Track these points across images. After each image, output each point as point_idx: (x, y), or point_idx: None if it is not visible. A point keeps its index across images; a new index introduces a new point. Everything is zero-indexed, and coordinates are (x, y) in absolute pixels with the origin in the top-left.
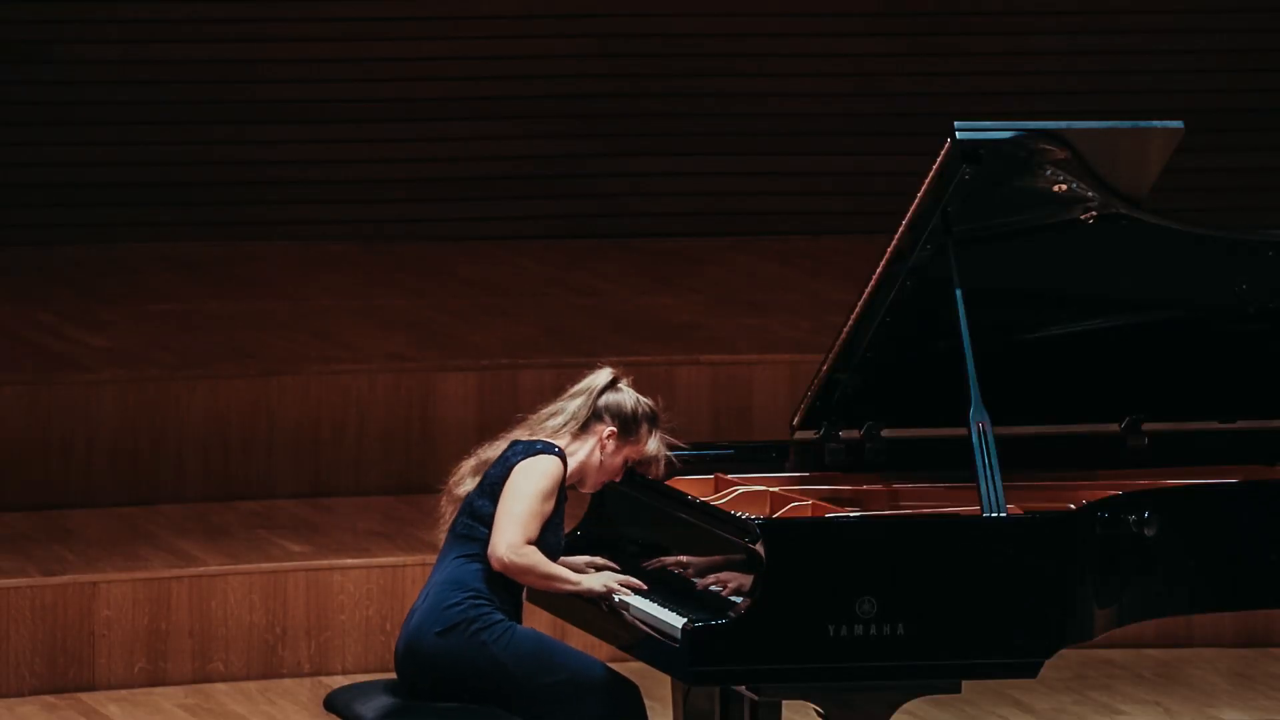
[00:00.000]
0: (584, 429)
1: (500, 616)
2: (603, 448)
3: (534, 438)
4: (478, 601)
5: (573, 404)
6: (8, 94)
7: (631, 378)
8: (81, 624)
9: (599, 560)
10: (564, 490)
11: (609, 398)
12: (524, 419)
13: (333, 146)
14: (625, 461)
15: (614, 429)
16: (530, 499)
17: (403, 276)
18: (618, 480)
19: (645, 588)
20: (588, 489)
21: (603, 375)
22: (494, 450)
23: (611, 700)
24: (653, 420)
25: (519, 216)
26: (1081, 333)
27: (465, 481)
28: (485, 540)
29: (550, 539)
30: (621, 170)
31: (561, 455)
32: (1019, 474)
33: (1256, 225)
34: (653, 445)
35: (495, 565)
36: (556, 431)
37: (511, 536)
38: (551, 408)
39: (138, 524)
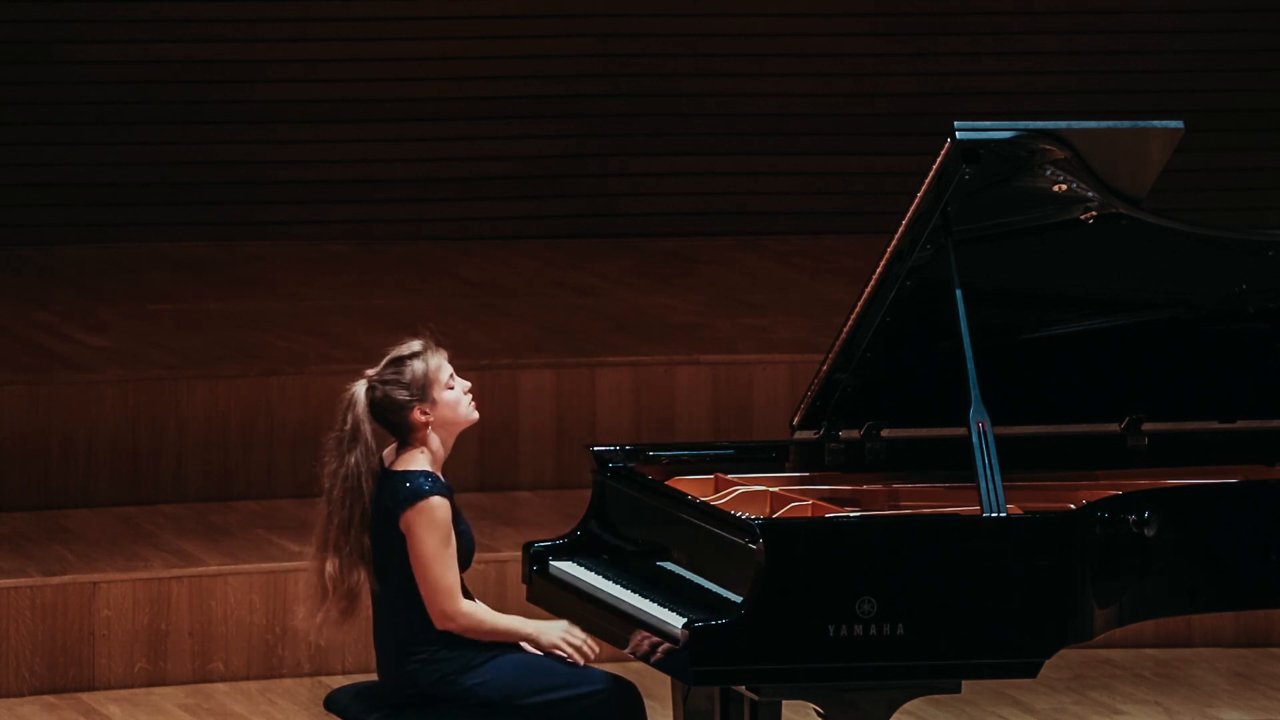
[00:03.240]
0: (405, 433)
1: (471, 655)
2: (433, 415)
3: (397, 469)
4: (436, 657)
5: (359, 445)
6: (8, 94)
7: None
8: (81, 624)
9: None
10: (456, 508)
11: (381, 398)
12: (330, 487)
13: (333, 146)
14: (449, 389)
15: (418, 404)
16: (439, 560)
17: (403, 276)
18: (471, 398)
19: (594, 655)
20: (464, 425)
21: (359, 394)
22: (337, 530)
23: (612, 702)
24: (413, 355)
25: (519, 216)
26: (1081, 333)
27: (347, 576)
28: (405, 580)
29: (461, 547)
30: (621, 170)
31: (436, 487)
32: (1019, 474)
33: (1256, 225)
34: (434, 359)
35: (441, 630)
36: (375, 469)
37: (443, 604)
38: (349, 461)
39: (138, 524)
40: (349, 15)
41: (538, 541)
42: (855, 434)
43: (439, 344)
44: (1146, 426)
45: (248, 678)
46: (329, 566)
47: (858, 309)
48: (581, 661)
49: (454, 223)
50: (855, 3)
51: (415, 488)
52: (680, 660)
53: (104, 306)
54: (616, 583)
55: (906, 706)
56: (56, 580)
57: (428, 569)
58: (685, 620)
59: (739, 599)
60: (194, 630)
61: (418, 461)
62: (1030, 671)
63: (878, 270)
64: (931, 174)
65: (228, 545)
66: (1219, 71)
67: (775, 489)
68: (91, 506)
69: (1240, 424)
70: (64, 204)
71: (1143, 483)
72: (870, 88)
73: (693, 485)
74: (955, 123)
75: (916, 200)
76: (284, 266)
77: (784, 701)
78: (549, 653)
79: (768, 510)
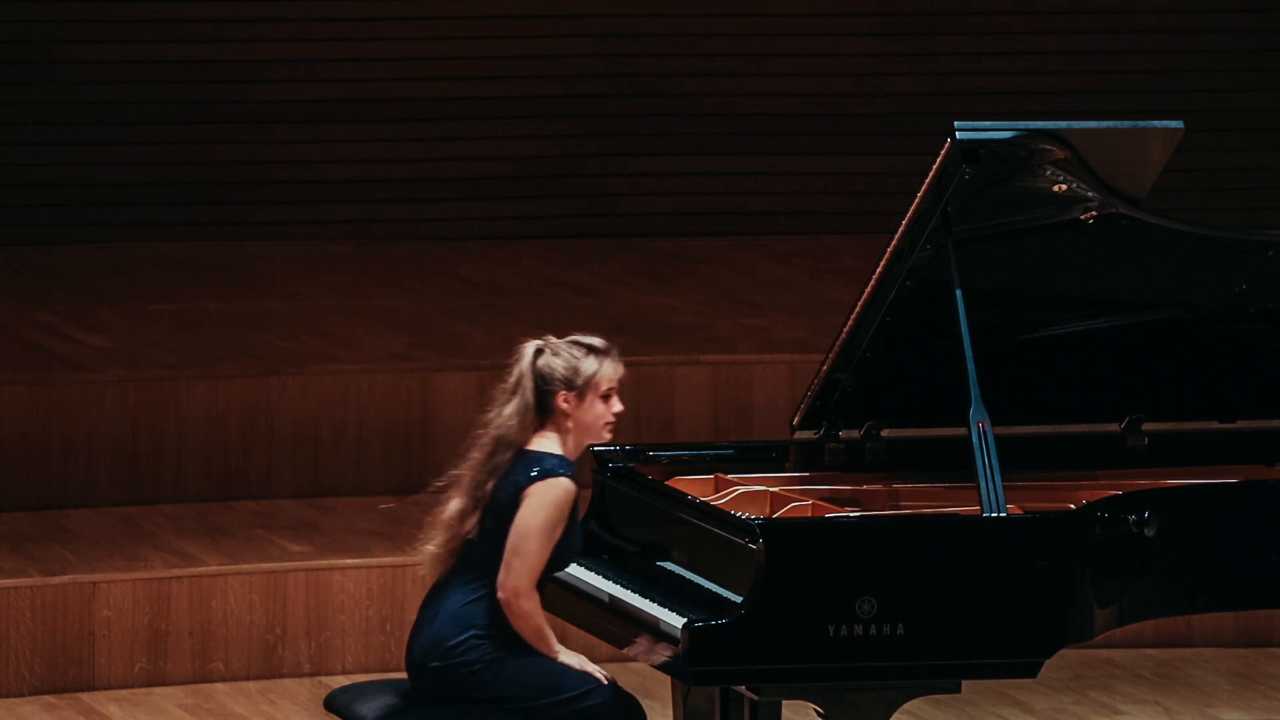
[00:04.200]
0: (546, 411)
1: (497, 653)
2: (573, 414)
3: (533, 449)
4: (479, 640)
5: (519, 398)
6: (8, 94)
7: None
8: (81, 624)
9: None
10: (576, 505)
11: (543, 366)
12: (483, 432)
13: (333, 146)
14: (603, 402)
15: (566, 391)
16: (540, 536)
17: (403, 276)
18: (612, 422)
19: (607, 683)
20: (593, 443)
21: (527, 351)
22: (473, 469)
23: (615, 710)
24: (594, 351)
25: (519, 216)
26: (1081, 333)
27: (465, 519)
28: (492, 565)
29: (563, 545)
30: (621, 170)
31: (570, 471)
32: (1019, 474)
33: (1256, 225)
34: (610, 369)
35: (499, 596)
36: (527, 429)
37: (518, 580)
38: (505, 411)
39: (138, 524)
40: (349, 15)
41: None
42: (855, 434)
43: (619, 360)
44: (1146, 426)
45: (248, 678)
46: (454, 504)
47: (858, 309)
48: (605, 681)
49: (454, 223)
50: (855, 3)
51: (551, 467)
52: (680, 660)
53: (104, 306)
54: (616, 583)
55: (906, 706)
56: (56, 580)
57: (526, 539)
58: (685, 620)
59: (739, 599)
60: (194, 630)
61: (549, 444)
62: (1030, 671)
63: (878, 270)
64: (931, 174)
65: (228, 545)
66: (1219, 71)
67: (775, 489)
68: (91, 506)
69: (1240, 424)
70: (64, 204)
71: (1143, 483)
72: (870, 88)
73: (693, 485)
74: (955, 123)
75: (916, 200)
76: (284, 266)
77: (784, 701)
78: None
79: (768, 510)
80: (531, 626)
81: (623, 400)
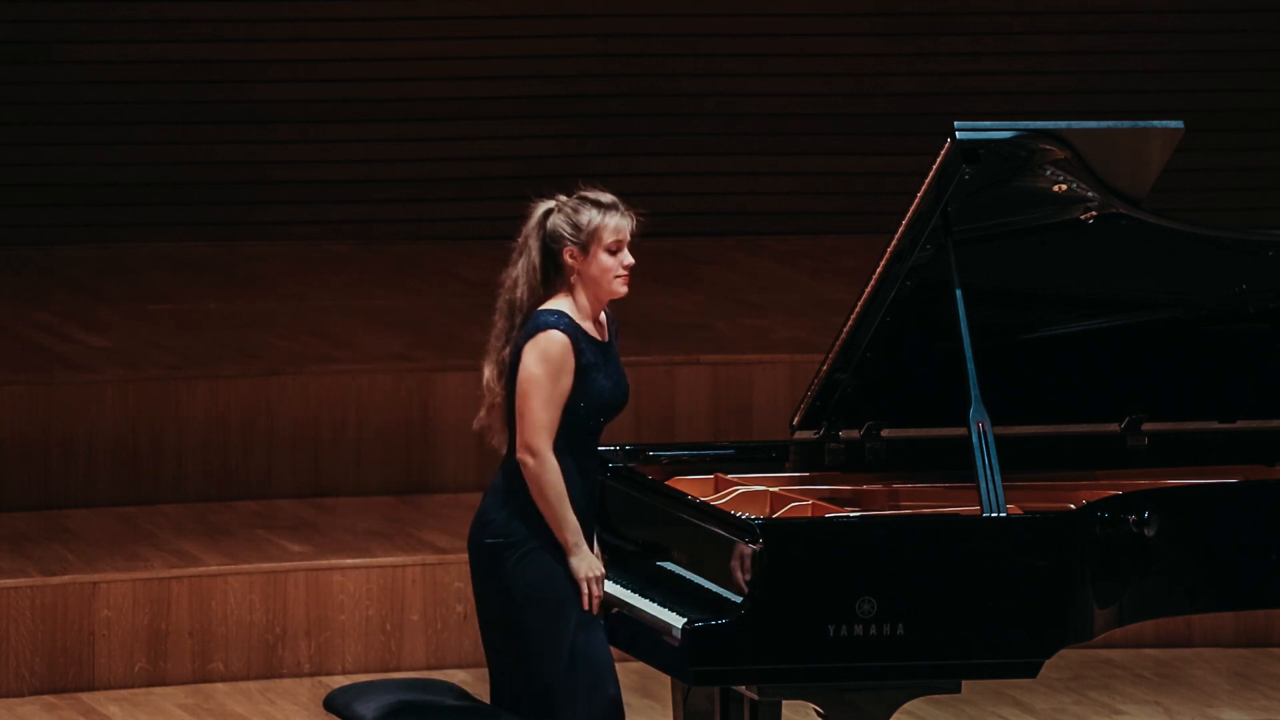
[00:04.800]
0: (553, 269)
1: (527, 541)
2: (580, 268)
3: (541, 309)
4: (510, 515)
5: (524, 258)
6: (8, 94)
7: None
8: (81, 624)
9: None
10: (581, 350)
11: (550, 225)
12: (498, 295)
13: (333, 146)
14: (610, 255)
15: (572, 246)
16: (536, 393)
17: (403, 276)
18: (624, 276)
19: (600, 621)
20: (607, 297)
21: (536, 211)
22: (494, 335)
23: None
24: (598, 205)
25: (519, 216)
26: (1081, 333)
27: (495, 386)
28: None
29: (583, 398)
30: (621, 170)
31: (561, 322)
32: (1019, 474)
33: (1256, 225)
34: (615, 220)
35: (517, 458)
36: (535, 289)
37: (525, 438)
38: (511, 273)
39: (138, 524)
40: (349, 15)
41: None
42: (855, 434)
43: (632, 214)
44: (1146, 426)
45: (248, 678)
46: (487, 371)
47: (858, 309)
48: (585, 606)
49: (454, 223)
50: (855, 3)
51: (540, 322)
52: (680, 660)
53: (104, 306)
54: (616, 583)
55: (906, 706)
56: (56, 580)
57: (525, 399)
58: (685, 620)
59: (739, 599)
60: (194, 630)
61: (558, 303)
62: (1030, 671)
63: (878, 270)
64: (931, 174)
65: (228, 545)
66: (1219, 71)
67: (775, 489)
68: (91, 506)
69: (1240, 424)
70: (64, 204)
71: (1143, 483)
72: (870, 88)
73: (693, 485)
74: (955, 123)
75: (916, 200)
76: (284, 266)
77: (784, 701)
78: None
79: (768, 510)
80: (542, 495)
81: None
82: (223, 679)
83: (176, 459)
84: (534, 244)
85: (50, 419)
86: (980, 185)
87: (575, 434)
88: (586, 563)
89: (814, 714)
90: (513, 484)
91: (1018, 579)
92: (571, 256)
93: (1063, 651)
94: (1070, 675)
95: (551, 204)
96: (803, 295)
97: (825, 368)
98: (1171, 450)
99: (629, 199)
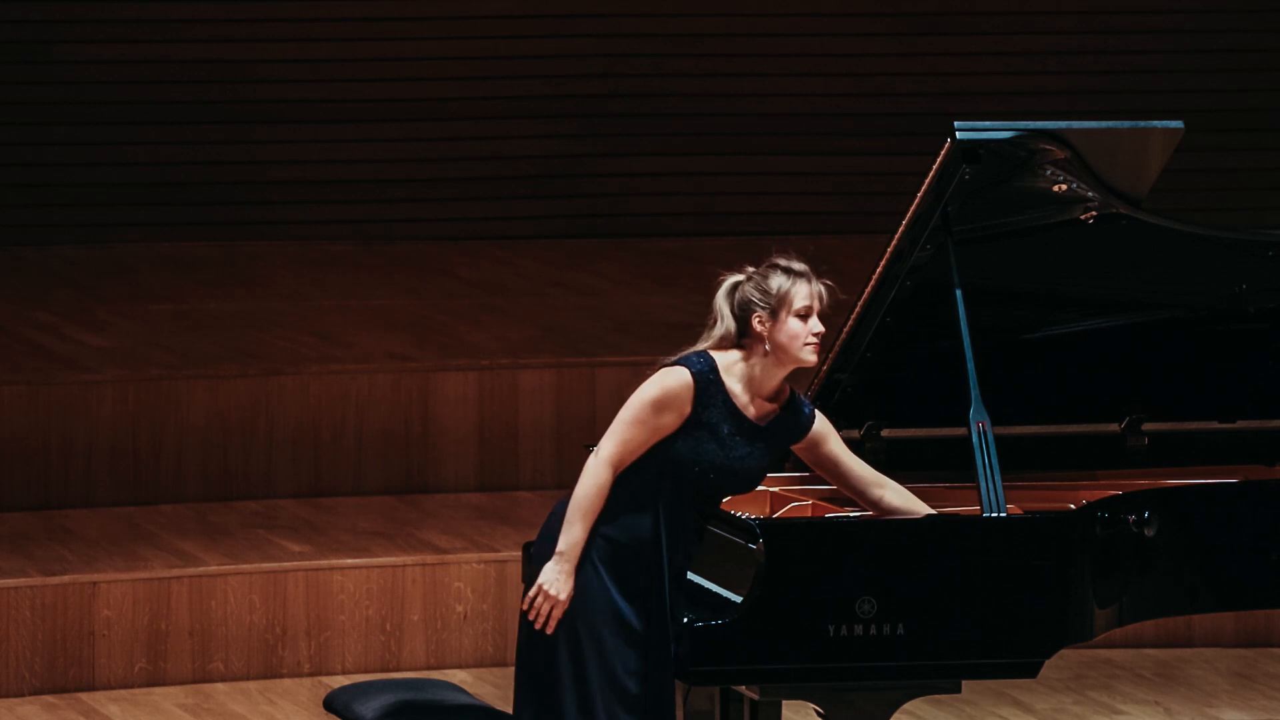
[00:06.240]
0: (742, 333)
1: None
2: (769, 335)
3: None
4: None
5: (720, 325)
6: (8, 94)
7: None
8: (81, 624)
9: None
10: (707, 403)
11: (740, 293)
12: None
13: (333, 146)
14: (800, 320)
15: (761, 312)
16: (632, 406)
17: (403, 276)
18: (813, 343)
19: (541, 624)
20: (793, 365)
21: (726, 281)
22: None
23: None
24: (788, 271)
25: (519, 216)
26: (1081, 333)
27: None
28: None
29: (691, 451)
30: (621, 170)
31: (696, 367)
32: (1019, 474)
33: (1256, 225)
34: (804, 287)
35: None
36: (718, 343)
37: (601, 445)
38: (713, 326)
39: (138, 524)
40: (349, 15)
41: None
42: (855, 434)
43: (820, 278)
44: (1146, 426)
45: (248, 678)
46: None
47: (858, 309)
48: (530, 613)
49: (454, 223)
50: (855, 3)
51: (680, 357)
52: (680, 660)
53: (104, 306)
54: None
55: (906, 706)
56: (56, 580)
57: (625, 408)
58: (685, 620)
59: (739, 599)
60: (194, 630)
61: (721, 355)
62: (1030, 671)
63: (878, 270)
64: (931, 174)
65: (228, 545)
66: (1219, 71)
67: (775, 489)
68: (91, 506)
69: (1240, 424)
70: (64, 204)
71: (1143, 483)
72: (870, 88)
73: None
74: (955, 123)
75: (916, 200)
76: (284, 266)
77: (784, 701)
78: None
79: (768, 510)
80: (575, 501)
81: (619, 399)
82: (223, 679)
83: (176, 459)
84: (725, 310)
85: (50, 419)
86: (980, 185)
87: (665, 480)
88: (554, 576)
89: (814, 714)
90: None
91: (1018, 579)
92: (760, 323)
93: (1063, 651)
94: (1070, 675)
95: (740, 276)
96: None
97: (825, 368)
98: (1171, 450)
99: (630, 199)
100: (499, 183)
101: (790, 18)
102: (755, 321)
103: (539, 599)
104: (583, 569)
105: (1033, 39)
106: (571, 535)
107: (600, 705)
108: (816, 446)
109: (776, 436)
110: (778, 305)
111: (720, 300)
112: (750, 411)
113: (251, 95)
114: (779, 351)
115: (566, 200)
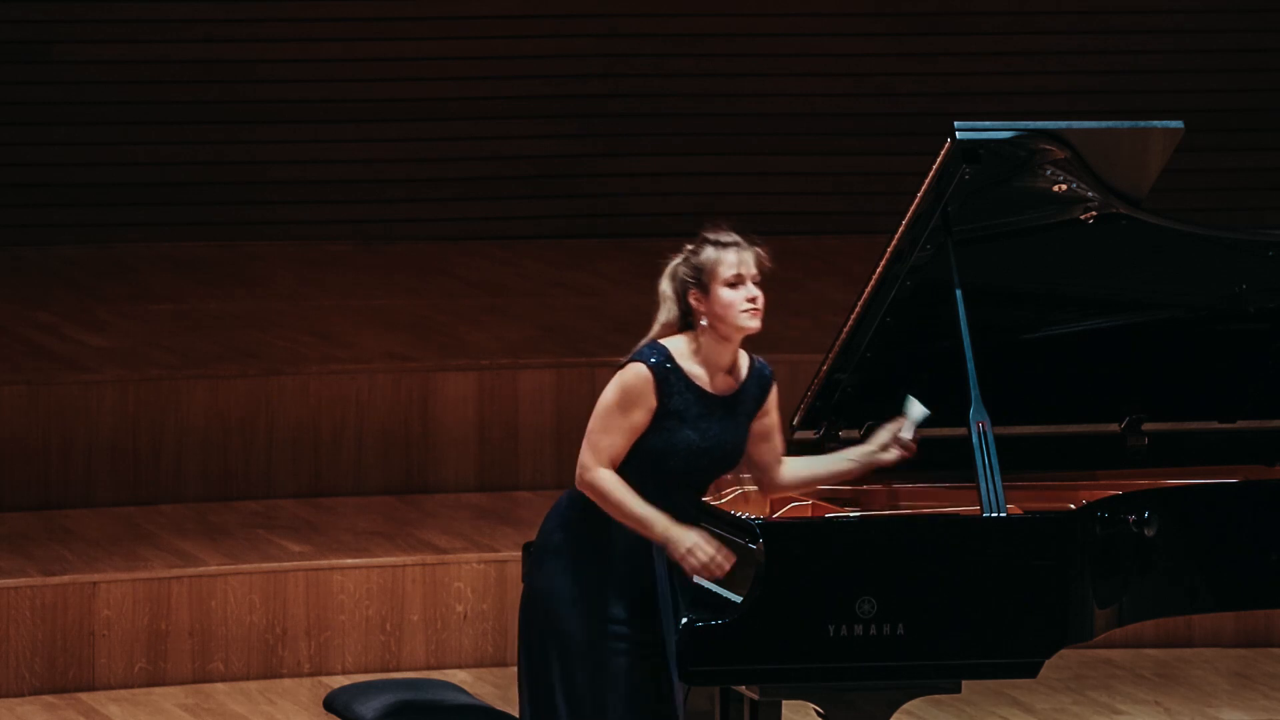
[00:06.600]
0: (687, 313)
1: (562, 545)
2: (705, 310)
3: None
4: (558, 524)
5: (663, 309)
6: (8, 94)
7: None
8: (81, 624)
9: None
10: (669, 392)
11: (677, 274)
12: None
13: (333, 146)
14: (731, 289)
15: (694, 289)
16: (601, 413)
17: (403, 276)
18: (749, 309)
19: (728, 570)
20: (737, 334)
21: (670, 261)
22: None
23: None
24: (713, 242)
25: (519, 216)
26: (1081, 333)
27: None
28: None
29: (666, 441)
30: (621, 170)
31: (650, 359)
32: (1019, 474)
33: (1257, 225)
34: (731, 255)
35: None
36: (665, 329)
37: (581, 456)
38: (655, 329)
39: (138, 524)
40: (349, 15)
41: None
42: (855, 434)
43: (752, 244)
44: (1146, 426)
45: (248, 678)
46: None
47: (858, 309)
48: (708, 577)
49: (454, 223)
50: (855, 3)
51: (635, 353)
52: (680, 660)
53: (104, 306)
54: None
55: (906, 706)
56: (56, 580)
57: (592, 419)
58: (685, 620)
59: (739, 599)
60: (194, 630)
61: (671, 341)
62: (1030, 671)
63: (878, 270)
64: (931, 174)
65: (228, 545)
66: (1219, 71)
67: None
68: (91, 506)
69: (1240, 424)
70: (64, 204)
71: (1143, 483)
72: (870, 88)
73: None
74: (955, 123)
75: (916, 200)
76: (284, 266)
77: (784, 701)
78: (680, 563)
79: (768, 510)
80: (613, 505)
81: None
82: (223, 679)
83: (176, 459)
84: (669, 297)
85: (50, 419)
86: (980, 185)
87: (651, 476)
88: (679, 542)
89: (814, 714)
90: (563, 501)
91: (1018, 579)
92: (696, 300)
93: (1063, 651)
94: (1070, 675)
95: (678, 258)
96: (803, 295)
97: (825, 367)
98: (1171, 450)
99: (630, 199)
100: (499, 183)
101: (790, 18)
102: (692, 299)
103: (704, 567)
104: (571, 568)
105: (1033, 39)
106: (648, 513)
107: (590, 701)
108: (766, 414)
109: (746, 404)
110: (707, 279)
111: (663, 285)
112: (714, 387)
113: (251, 95)
114: (718, 324)
115: (566, 200)
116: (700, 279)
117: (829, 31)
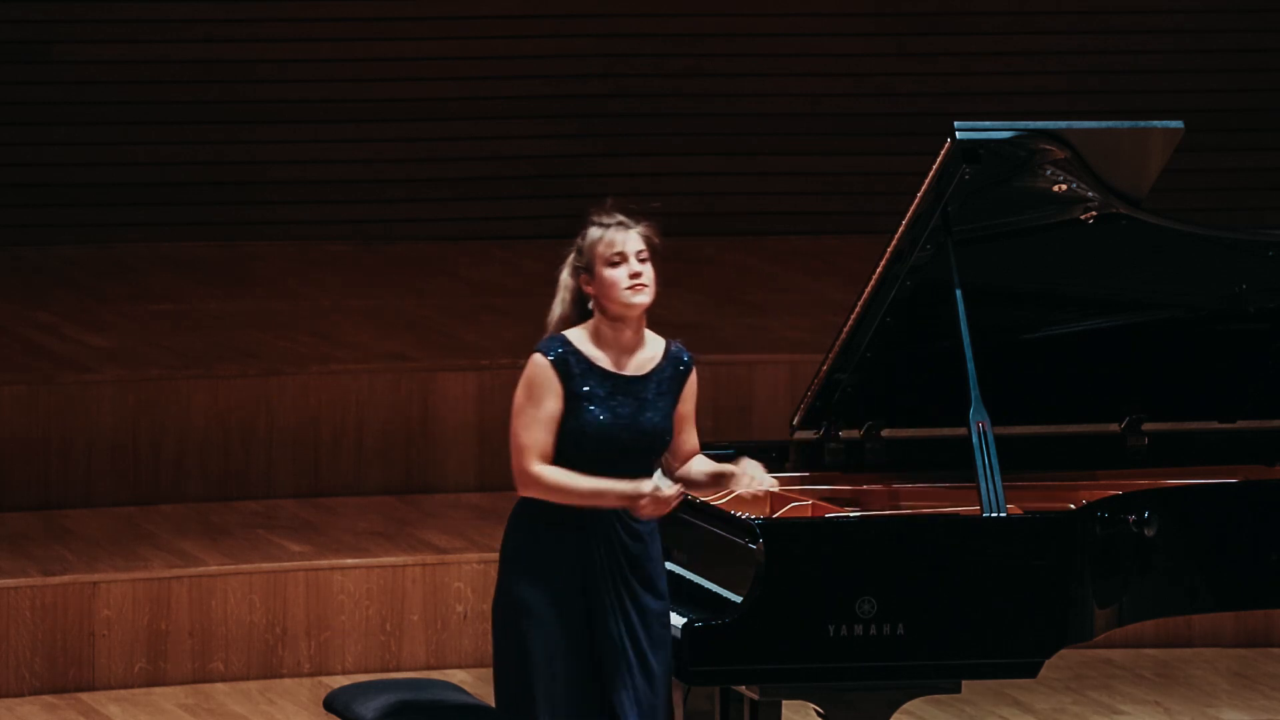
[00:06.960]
0: (585, 299)
1: (515, 540)
2: (595, 293)
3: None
4: (514, 519)
5: (560, 299)
6: (8, 94)
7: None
8: (81, 624)
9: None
10: (572, 375)
11: (570, 262)
12: None
13: (332, 146)
14: (612, 268)
15: (584, 274)
16: (515, 416)
17: (403, 276)
18: (633, 286)
19: (670, 504)
20: (627, 312)
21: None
22: None
23: None
24: (597, 224)
25: (519, 216)
26: (1081, 332)
27: None
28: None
29: (577, 424)
30: (621, 170)
31: (545, 348)
32: (1019, 474)
33: (1257, 225)
34: (611, 235)
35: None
36: (564, 319)
37: (516, 460)
38: (551, 317)
39: (138, 524)
40: (349, 15)
41: None
42: (855, 434)
43: (638, 228)
44: (1146, 426)
45: (248, 678)
46: None
47: (858, 309)
48: (657, 512)
49: (454, 223)
50: (855, 3)
51: (536, 347)
52: (680, 660)
53: (104, 306)
54: None
55: (906, 706)
56: (56, 580)
57: (510, 425)
58: (685, 620)
59: (739, 599)
60: (194, 630)
61: (571, 331)
62: (1030, 671)
63: (878, 270)
64: (931, 174)
65: (228, 545)
66: (1219, 71)
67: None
68: (91, 506)
69: (1240, 424)
70: (64, 204)
71: (1143, 483)
72: (870, 88)
73: None
74: (955, 123)
75: (916, 200)
76: (284, 266)
77: (784, 701)
78: (649, 511)
79: (768, 510)
80: (569, 492)
81: None
82: (223, 679)
83: (176, 459)
84: (562, 287)
85: (50, 419)
86: (980, 185)
87: (576, 463)
88: (640, 485)
89: (814, 714)
90: (516, 509)
91: (1018, 579)
92: (586, 283)
93: (1063, 651)
94: (1070, 675)
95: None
96: (803, 295)
97: (825, 367)
98: (1171, 450)
99: (630, 198)
100: (499, 183)
101: (790, 18)
102: (582, 283)
103: (655, 506)
104: (525, 577)
105: (1033, 39)
106: (598, 483)
107: (543, 700)
108: (684, 401)
109: (661, 384)
110: (591, 260)
111: (563, 275)
112: (620, 368)
113: (251, 95)
114: (607, 303)
115: (566, 200)
116: (586, 262)
117: (829, 31)
